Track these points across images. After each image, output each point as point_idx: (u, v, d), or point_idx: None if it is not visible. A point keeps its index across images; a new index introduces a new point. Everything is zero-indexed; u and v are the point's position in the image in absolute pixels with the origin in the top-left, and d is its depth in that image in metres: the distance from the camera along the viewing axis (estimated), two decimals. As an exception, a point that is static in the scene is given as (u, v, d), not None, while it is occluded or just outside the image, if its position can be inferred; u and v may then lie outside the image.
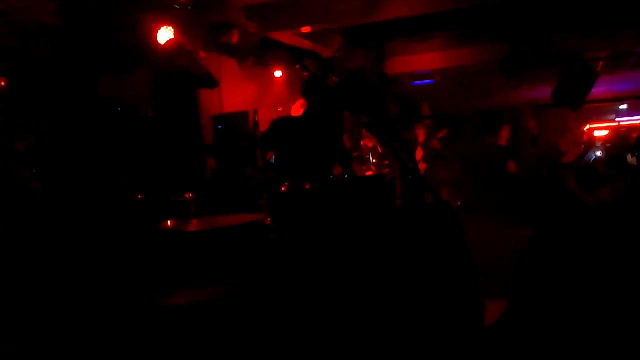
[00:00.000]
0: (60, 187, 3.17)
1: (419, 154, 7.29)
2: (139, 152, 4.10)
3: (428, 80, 8.89)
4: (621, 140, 8.51)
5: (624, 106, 10.94)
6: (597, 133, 10.19)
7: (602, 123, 10.57)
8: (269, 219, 3.64)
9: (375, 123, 4.83)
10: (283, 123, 4.42)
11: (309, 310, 2.81)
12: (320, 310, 2.83)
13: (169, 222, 3.20)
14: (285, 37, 6.46)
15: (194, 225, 3.11)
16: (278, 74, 6.66)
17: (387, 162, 5.86)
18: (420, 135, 7.56)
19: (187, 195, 3.28)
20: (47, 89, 3.46)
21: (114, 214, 3.30)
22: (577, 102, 7.73)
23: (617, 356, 2.16)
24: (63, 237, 2.76)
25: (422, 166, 7.05)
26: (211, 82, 4.90)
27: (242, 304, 2.52)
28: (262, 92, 7.24)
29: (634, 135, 8.73)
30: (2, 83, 3.24)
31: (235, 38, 5.13)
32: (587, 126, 10.27)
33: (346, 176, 4.06)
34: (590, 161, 7.65)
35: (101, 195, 3.40)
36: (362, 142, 6.11)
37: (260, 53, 6.61)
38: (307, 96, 4.50)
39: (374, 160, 5.97)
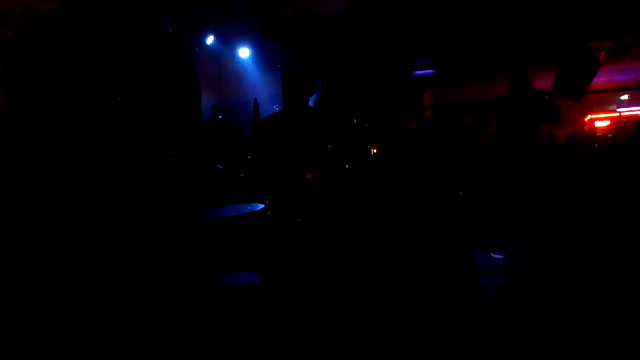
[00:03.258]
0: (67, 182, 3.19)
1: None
2: (142, 143, 4.10)
3: (429, 71, 8.87)
4: (621, 131, 8.49)
5: (625, 97, 10.90)
6: (598, 124, 10.17)
7: (603, 114, 10.54)
8: (269, 210, 3.65)
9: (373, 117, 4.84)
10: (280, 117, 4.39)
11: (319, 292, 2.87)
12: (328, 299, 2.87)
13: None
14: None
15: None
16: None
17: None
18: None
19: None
20: (46, 77, 3.45)
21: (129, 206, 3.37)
22: (579, 92, 7.71)
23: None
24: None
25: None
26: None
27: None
28: (262, 83, 7.23)
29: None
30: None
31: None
32: (588, 117, 10.25)
33: (347, 166, 4.07)
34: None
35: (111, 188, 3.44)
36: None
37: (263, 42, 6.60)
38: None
39: (374, 151, 5.96)
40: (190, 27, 4.55)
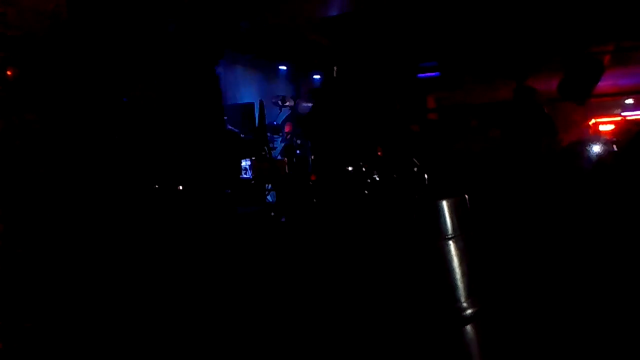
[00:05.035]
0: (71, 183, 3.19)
1: None
2: (147, 145, 4.10)
3: (433, 73, 8.84)
4: (627, 135, 8.45)
5: (630, 100, 10.87)
6: (602, 128, 10.15)
7: (607, 117, 10.51)
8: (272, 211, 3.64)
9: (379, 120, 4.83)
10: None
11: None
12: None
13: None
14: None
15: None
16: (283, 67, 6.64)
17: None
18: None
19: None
20: (51, 80, 3.44)
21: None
22: (584, 96, 7.68)
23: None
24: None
25: None
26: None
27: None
28: (266, 84, 7.22)
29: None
30: (9, 72, 3.21)
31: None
32: (593, 120, 10.22)
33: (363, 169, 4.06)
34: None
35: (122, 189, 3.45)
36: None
37: (265, 44, 6.59)
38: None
39: (379, 154, 5.94)
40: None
